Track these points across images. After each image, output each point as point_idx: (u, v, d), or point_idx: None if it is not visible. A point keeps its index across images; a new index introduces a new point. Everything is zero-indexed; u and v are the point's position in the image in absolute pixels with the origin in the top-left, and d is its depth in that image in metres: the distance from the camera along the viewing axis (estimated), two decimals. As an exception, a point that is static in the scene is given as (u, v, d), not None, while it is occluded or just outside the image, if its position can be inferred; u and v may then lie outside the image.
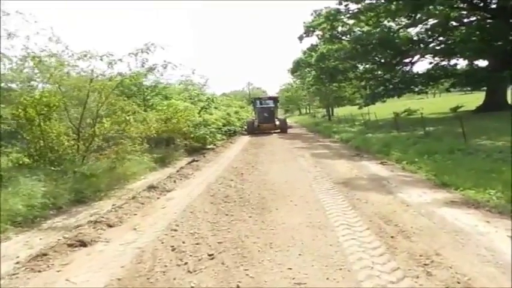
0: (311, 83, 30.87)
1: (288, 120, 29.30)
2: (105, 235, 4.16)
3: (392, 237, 3.66)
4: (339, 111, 33.85)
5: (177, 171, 8.73)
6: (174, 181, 7.42)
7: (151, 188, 6.57)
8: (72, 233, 4.18)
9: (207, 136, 14.00)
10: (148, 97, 13.72)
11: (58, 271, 3.22)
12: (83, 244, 3.78)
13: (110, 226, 4.46)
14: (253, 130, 22.67)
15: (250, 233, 3.98)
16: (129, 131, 8.01)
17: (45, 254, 3.50)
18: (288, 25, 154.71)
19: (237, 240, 3.79)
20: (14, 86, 8.01)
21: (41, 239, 4.13)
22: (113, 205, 5.51)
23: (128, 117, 7.79)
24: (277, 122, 23.48)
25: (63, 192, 5.39)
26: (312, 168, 8.28)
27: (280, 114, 34.43)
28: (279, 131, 22.80)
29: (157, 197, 6.09)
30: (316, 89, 32.92)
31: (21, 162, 6.99)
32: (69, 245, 3.74)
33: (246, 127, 23.76)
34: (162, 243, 3.80)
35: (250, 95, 58.41)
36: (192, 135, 13.26)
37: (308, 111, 63.03)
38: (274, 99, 26.20)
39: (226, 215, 4.77)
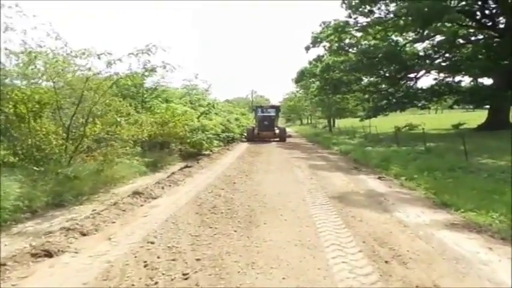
0: (314, 94, 30.78)
1: (288, 130, 29.25)
2: (76, 244, 3.83)
3: (386, 262, 3.35)
4: (340, 123, 33.74)
5: (168, 176, 8.41)
6: (162, 187, 7.09)
7: (136, 194, 6.21)
8: (40, 240, 3.86)
9: (204, 142, 13.69)
10: (147, 99, 13.50)
11: (13, 285, 2.90)
12: (49, 254, 3.44)
13: (83, 234, 4.13)
14: (253, 137, 22.81)
15: (233, 250, 3.66)
16: (120, 133, 7.73)
17: (3, 264, 3.17)
18: (294, 35, 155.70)
19: (217, 257, 3.46)
20: (18, 82, 7.81)
21: (6, 245, 3.80)
22: (93, 210, 5.20)
23: (119, 119, 7.50)
24: (277, 131, 23.50)
25: (40, 195, 5.07)
26: (308, 180, 7.97)
27: (281, 123, 34.38)
28: (278, 139, 22.77)
29: (141, 204, 5.74)
30: (319, 99, 32.80)
31: (5, 160, 6.73)
32: (33, 255, 3.40)
33: (245, 134, 23.71)
34: (135, 257, 3.48)
35: (252, 103, 58.44)
36: (188, 140, 12.98)
37: (309, 122, 62.81)
38: (276, 108, 26.55)
39: (210, 227, 4.45)
